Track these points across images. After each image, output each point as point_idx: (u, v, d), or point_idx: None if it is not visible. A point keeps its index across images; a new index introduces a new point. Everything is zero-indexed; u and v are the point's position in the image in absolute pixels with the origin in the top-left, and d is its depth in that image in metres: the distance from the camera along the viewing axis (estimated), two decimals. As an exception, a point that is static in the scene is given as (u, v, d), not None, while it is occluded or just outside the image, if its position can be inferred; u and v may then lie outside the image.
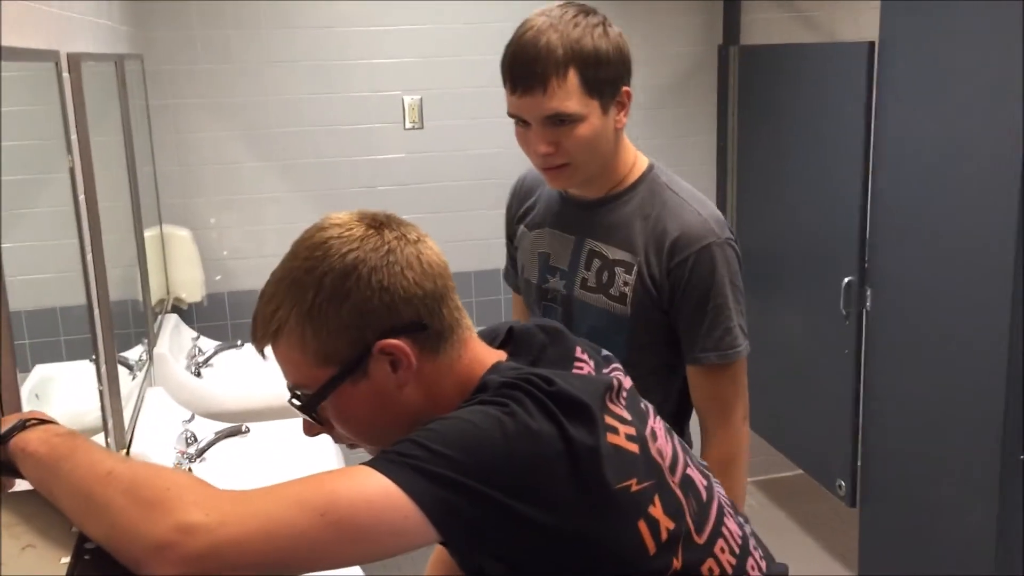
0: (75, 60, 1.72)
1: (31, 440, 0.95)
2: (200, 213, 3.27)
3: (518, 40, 1.49)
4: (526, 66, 1.46)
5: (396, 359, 1.00)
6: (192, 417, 2.29)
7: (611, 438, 0.97)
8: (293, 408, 1.07)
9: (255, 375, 2.89)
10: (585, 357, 1.12)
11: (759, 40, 3.53)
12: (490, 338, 1.14)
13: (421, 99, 3.36)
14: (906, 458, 2.55)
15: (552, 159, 1.51)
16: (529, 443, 0.92)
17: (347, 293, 0.98)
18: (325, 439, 2.27)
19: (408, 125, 3.37)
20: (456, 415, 0.96)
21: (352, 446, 1.11)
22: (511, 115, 1.53)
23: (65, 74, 1.67)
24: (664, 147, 3.54)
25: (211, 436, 2.22)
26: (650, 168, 1.62)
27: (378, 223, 1.03)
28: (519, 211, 1.77)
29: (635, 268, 1.56)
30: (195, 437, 2.22)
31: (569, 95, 1.46)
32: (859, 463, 2.83)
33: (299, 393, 1.04)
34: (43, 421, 0.99)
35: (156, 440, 2.10)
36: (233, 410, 2.54)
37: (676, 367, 1.63)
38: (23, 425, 0.97)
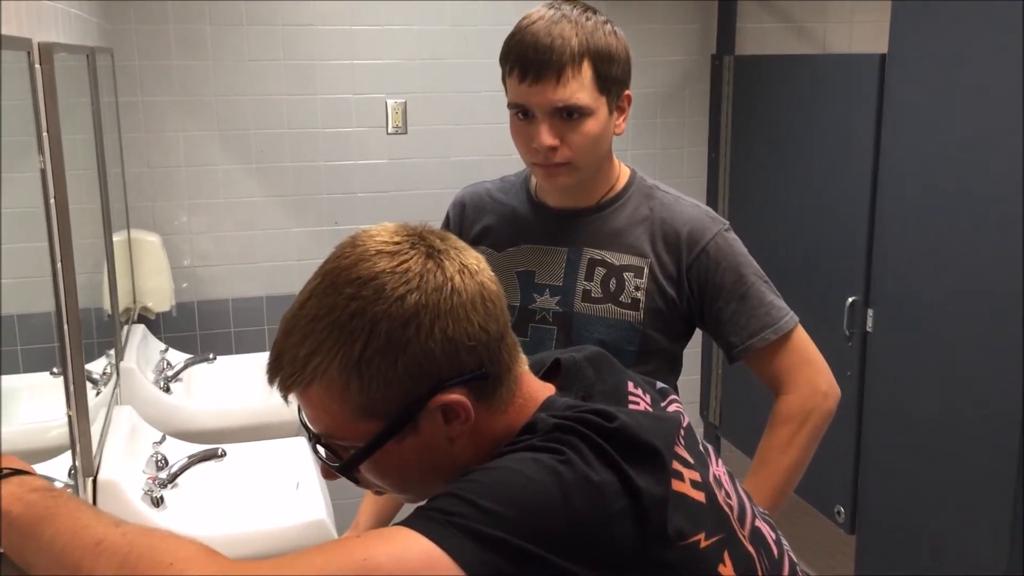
0: (47, 50, 1.56)
1: (3, 496, 0.80)
2: (169, 217, 3.10)
3: (528, 27, 1.44)
4: (540, 53, 1.40)
5: (451, 410, 0.87)
6: (163, 438, 2.13)
7: (676, 485, 0.86)
8: (293, 436, 0.93)
9: (228, 391, 2.74)
10: (639, 392, 1.00)
11: (750, 50, 3.45)
12: (535, 370, 1.01)
13: (405, 103, 3.22)
14: (909, 484, 2.47)
15: (554, 155, 1.45)
16: (589, 497, 0.80)
17: (405, 344, 0.84)
18: (307, 463, 2.16)
19: (391, 129, 3.23)
20: (502, 464, 0.84)
21: (379, 492, 0.98)
22: (513, 105, 1.46)
23: (37, 65, 1.51)
24: (654, 158, 3.45)
25: (184, 460, 2.06)
26: (633, 172, 1.61)
27: (434, 249, 0.88)
28: (472, 236, 1.64)
29: (645, 271, 1.51)
30: (166, 460, 2.06)
31: (582, 87, 1.42)
32: (859, 488, 2.74)
33: (328, 443, 0.91)
34: (16, 471, 0.84)
35: (125, 464, 1.94)
36: (206, 429, 2.39)
37: (675, 373, 1.60)
38: None
